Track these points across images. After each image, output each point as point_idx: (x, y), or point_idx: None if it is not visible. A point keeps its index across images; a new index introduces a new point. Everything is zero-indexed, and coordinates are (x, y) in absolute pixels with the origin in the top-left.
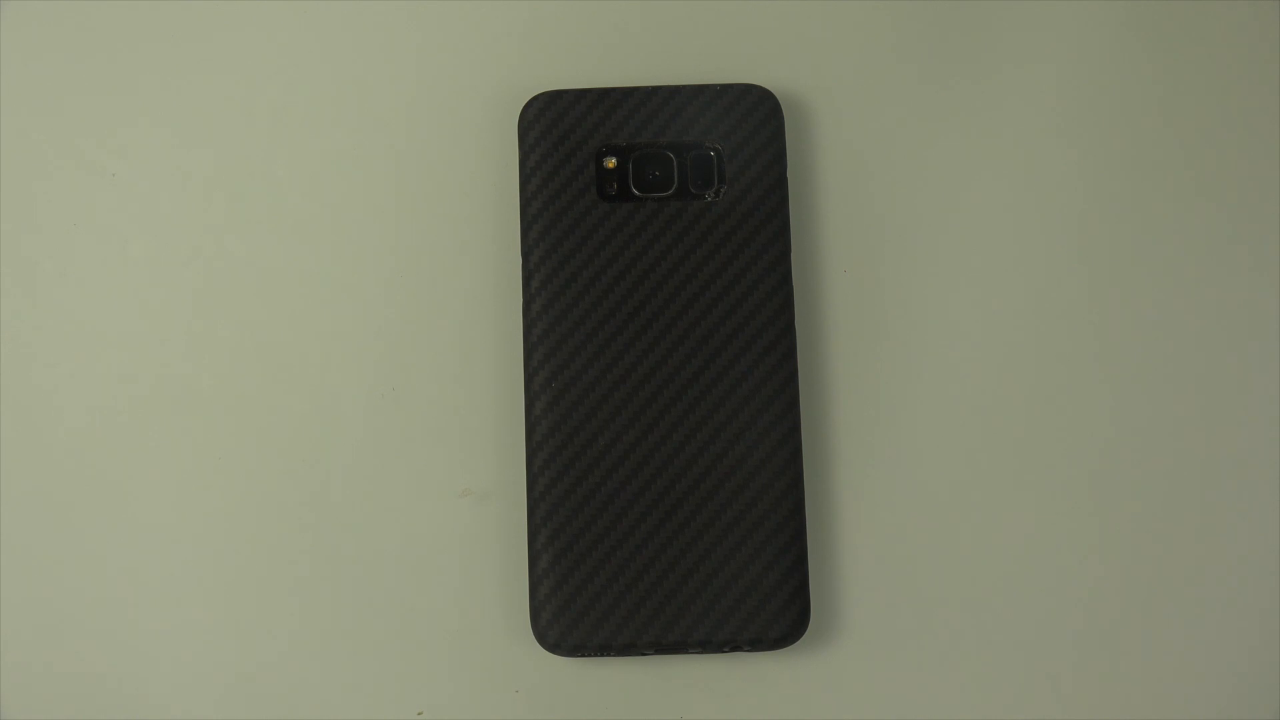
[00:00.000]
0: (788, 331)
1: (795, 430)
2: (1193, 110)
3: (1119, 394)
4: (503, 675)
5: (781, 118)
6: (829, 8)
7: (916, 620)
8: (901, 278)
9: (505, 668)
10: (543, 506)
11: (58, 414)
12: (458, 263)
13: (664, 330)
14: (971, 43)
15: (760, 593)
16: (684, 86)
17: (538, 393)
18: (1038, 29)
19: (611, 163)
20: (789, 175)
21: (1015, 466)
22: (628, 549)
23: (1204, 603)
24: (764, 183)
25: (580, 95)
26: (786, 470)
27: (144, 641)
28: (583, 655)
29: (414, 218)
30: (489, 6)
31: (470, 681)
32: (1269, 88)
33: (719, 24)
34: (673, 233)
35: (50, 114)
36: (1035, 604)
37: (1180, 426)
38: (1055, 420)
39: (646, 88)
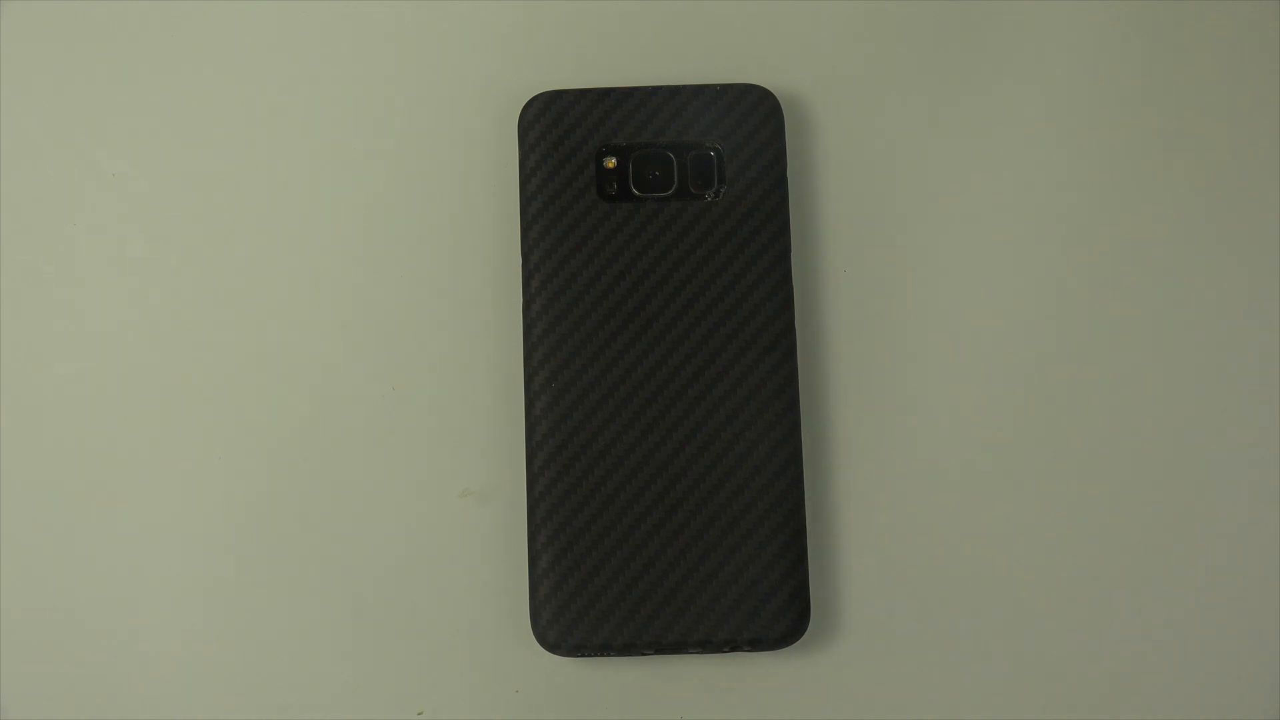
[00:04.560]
0: (788, 331)
1: (795, 430)
2: (1193, 110)
3: (1119, 394)
4: (503, 675)
5: (781, 118)
6: (829, 8)
7: (916, 620)
8: (901, 278)
9: (505, 668)
10: (543, 506)
11: (57, 414)
12: (458, 263)
13: (664, 330)
14: (971, 43)
15: (760, 593)
16: (684, 86)
17: (538, 393)
18: (1038, 29)
19: (611, 163)
20: (789, 175)
21: (1015, 466)
22: (628, 549)
23: (1205, 602)
24: (764, 183)
25: (580, 95)
26: (786, 470)
27: (143, 641)
28: (583, 655)
29: (414, 218)
30: (489, 6)
31: (470, 681)
32: (1269, 88)
33: (719, 24)
34: (673, 233)
35: (50, 114)
36: (1035, 604)
37: (1181, 426)
38: (1055, 420)
39: (646, 88)
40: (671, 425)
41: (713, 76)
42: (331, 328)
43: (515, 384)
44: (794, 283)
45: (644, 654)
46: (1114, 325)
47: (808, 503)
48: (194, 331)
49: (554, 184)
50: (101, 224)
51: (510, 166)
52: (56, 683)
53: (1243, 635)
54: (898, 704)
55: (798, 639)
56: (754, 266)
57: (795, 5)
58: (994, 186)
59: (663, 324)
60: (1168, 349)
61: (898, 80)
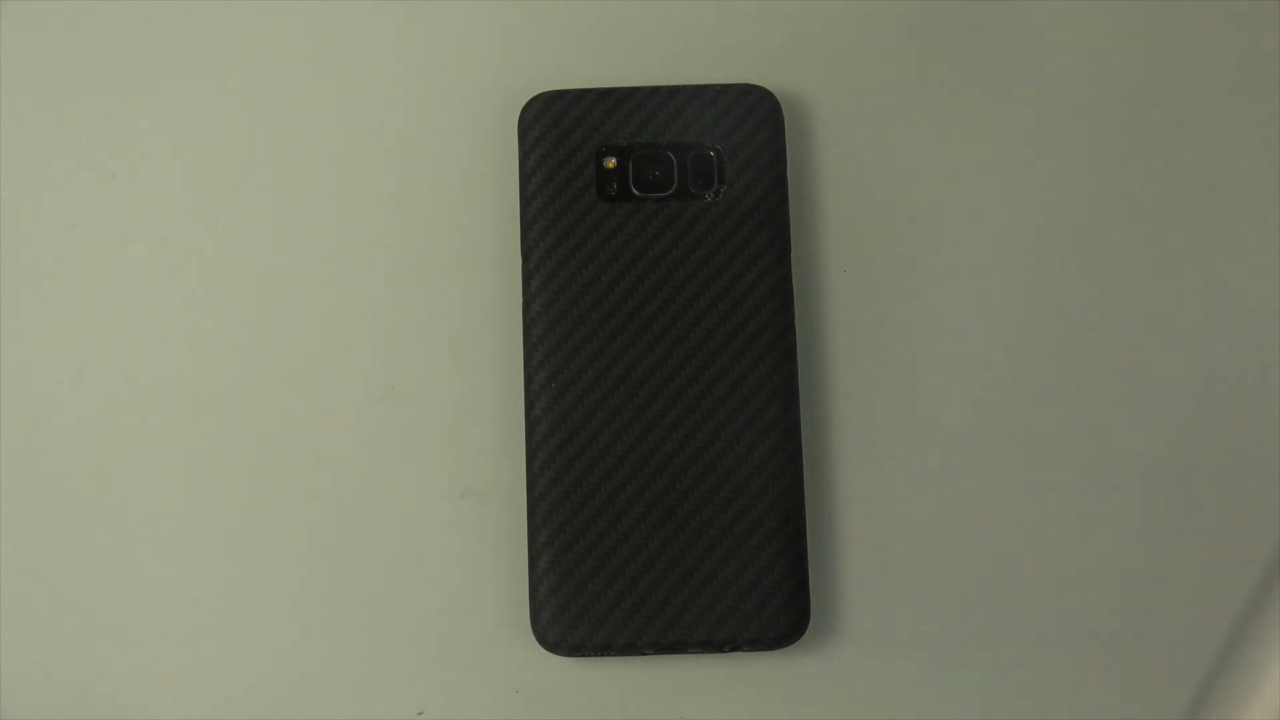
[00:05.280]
0: (788, 331)
1: (795, 430)
2: (1192, 110)
3: (1119, 393)
4: (503, 675)
5: (781, 118)
6: (829, 8)
7: (916, 620)
8: (901, 278)
9: (505, 668)
10: (543, 506)
11: (58, 414)
12: (458, 263)
13: (664, 330)
14: (971, 43)
15: (760, 593)
16: (684, 86)
17: (538, 393)
18: (1038, 29)
19: (611, 163)
20: (789, 175)
21: (1015, 466)
22: (628, 549)
23: (1205, 602)
24: (764, 183)
25: (580, 95)
26: (786, 470)
27: (144, 642)
28: (583, 655)
29: (414, 218)
30: (489, 6)
31: (470, 681)
32: (1269, 88)
33: (719, 24)
34: (673, 233)
35: (50, 114)
36: (1035, 604)
37: (1181, 426)
38: (1055, 420)
39: (646, 88)
40: (671, 425)
41: (713, 76)
42: (332, 327)
43: (515, 384)
44: (794, 283)
45: (644, 654)
46: (1115, 325)
47: (808, 503)
48: (194, 331)
49: (554, 184)
50: (102, 224)
51: (510, 166)
52: (56, 683)
53: (1243, 635)
54: (898, 704)
55: (798, 639)
56: (754, 267)
57: (795, 5)
58: (994, 186)
59: (662, 324)
60: (1169, 349)
61: (898, 80)
